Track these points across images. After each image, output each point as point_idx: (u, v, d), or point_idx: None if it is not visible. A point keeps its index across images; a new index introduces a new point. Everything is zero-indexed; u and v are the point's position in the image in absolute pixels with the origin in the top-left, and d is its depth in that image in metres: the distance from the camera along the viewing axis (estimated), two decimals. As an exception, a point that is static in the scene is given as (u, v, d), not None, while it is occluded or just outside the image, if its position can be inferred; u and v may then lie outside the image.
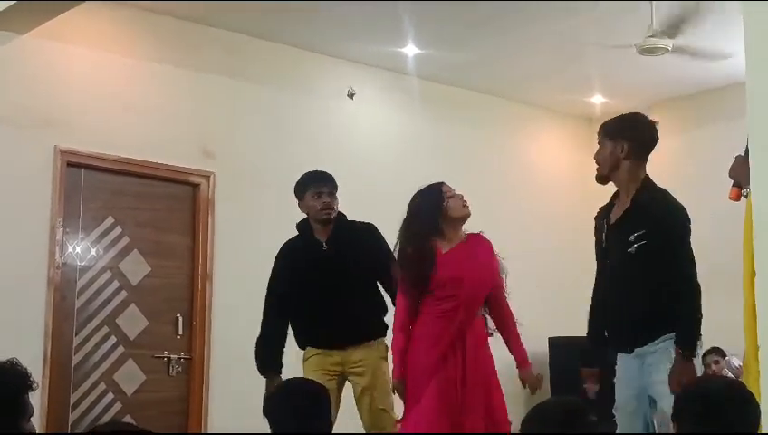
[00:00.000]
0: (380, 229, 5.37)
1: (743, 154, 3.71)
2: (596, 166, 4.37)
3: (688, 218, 4.17)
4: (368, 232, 5.34)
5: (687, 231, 4.16)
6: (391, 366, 4.94)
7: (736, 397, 2.75)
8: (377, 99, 8.29)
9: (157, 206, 7.04)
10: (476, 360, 4.74)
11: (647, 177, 4.30)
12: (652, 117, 4.48)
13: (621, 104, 9.22)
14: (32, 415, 3.08)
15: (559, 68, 8.30)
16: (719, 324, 4.90)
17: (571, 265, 8.44)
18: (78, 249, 6.66)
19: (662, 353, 4.10)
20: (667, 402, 3.87)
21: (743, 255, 3.59)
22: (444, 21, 7.28)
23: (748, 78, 2.72)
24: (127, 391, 6.73)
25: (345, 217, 5.38)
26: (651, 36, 6.96)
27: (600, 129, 4.40)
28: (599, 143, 4.37)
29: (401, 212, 5.44)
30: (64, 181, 6.56)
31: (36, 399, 6.13)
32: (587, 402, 2.75)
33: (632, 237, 4.13)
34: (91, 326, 6.64)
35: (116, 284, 6.79)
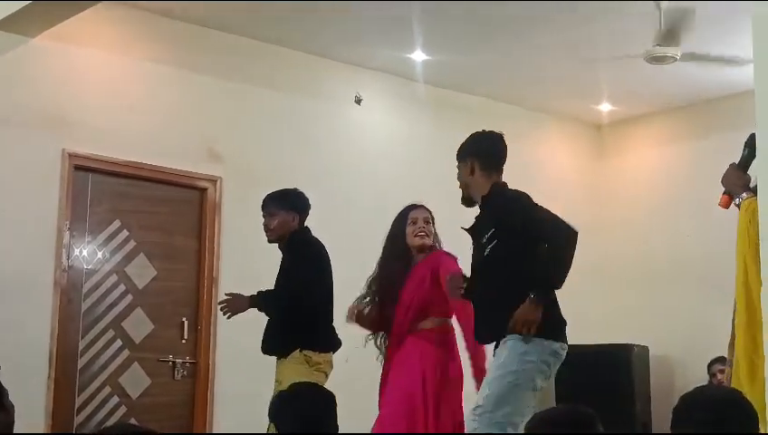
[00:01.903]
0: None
1: (736, 163, 3.81)
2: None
3: (528, 205, 4.33)
4: (291, 251, 5.43)
5: (531, 210, 4.31)
6: None
7: (736, 405, 2.76)
8: (384, 104, 8.28)
9: (163, 209, 7.04)
10: (398, 373, 5.02)
11: (495, 183, 4.48)
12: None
13: (628, 111, 9.26)
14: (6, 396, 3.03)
15: (566, 75, 8.29)
16: (724, 334, 4.89)
17: (576, 270, 8.41)
18: (84, 252, 6.66)
19: (508, 345, 4.21)
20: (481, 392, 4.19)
21: (735, 259, 3.67)
22: (452, 27, 7.28)
23: (757, 84, 2.72)
24: (132, 395, 6.73)
25: (302, 232, 5.44)
26: (659, 44, 6.95)
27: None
28: (457, 168, 4.58)
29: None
30: (71, 184, 6.57)
31: (41, 401, 6.19)
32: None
33: (484, 240, 4.30)
34: (96, 329, 6.65)
35: (122, 287, 6.79)
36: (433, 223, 5.24)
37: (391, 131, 8.30)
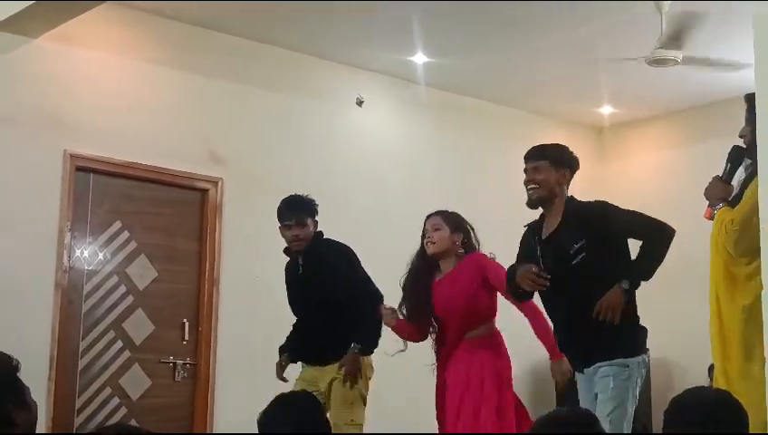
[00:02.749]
0: (390, 237, 5.41)
1: (720, 175, 3.93)
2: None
3: (615, 209, 4.36)
4: (336, 254, 5.41)
5: (620, 213, 4.36)
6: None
7: (726, 406, 2.78)
8: (385, 106, 8.29)
9: (165, 211, 7.05)
10: (455, 381, 4.99)
11: (571, 196, 4.49)
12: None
13: (629, 114, 9.27)
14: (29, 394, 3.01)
15: (568, 77, 8.30)
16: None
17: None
18: (85, 253, 6.67)
19: (611, 373, 4.20)
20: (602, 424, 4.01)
21: (710, 267, 3.82)
22: (453, 30, 7.29)
23: (757, 84, 2.72)
24: (132, 396, 6.73)
25: (321, 235, 5.46)
26: (661, 47, 6.96)
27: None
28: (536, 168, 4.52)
29: (410, 219, 5.48)
30: (73, 185, 6.58)
31: (42, 402, 6.19)
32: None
33: (572, 251, 4.27)
34: (97, 331, 6.65)
35: (123, 288, 6.79)
36: (456, 227, 5.16)
37: (392, 133, 8.31)
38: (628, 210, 4.38)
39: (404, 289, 5.19)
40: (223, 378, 7.01)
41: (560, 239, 4.32)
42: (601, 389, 4.22)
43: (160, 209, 7.03)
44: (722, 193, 3.85)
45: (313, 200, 5.47)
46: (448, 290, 5.05)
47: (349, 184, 7.76)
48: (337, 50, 7.72)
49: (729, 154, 3.96)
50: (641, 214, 4.36)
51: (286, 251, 5.53)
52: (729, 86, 8.03)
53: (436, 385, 5.16)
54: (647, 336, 4.36)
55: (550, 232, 4.38)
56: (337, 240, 5.47)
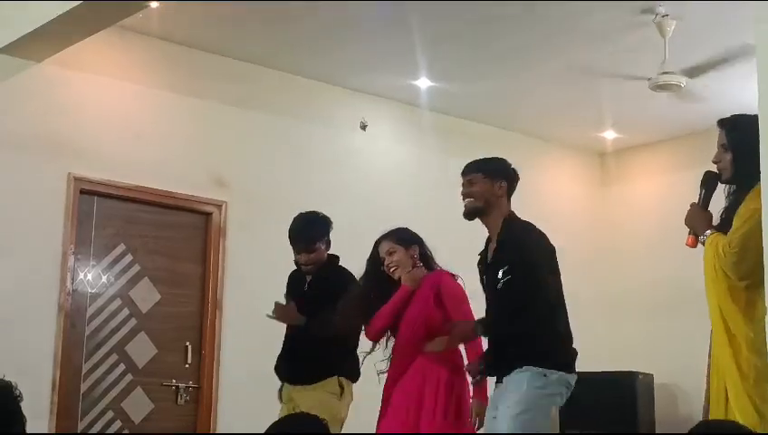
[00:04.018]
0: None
1: (697, 202, 3.96)
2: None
3: (541, 253, 4.36)
4: (342, 283, 5.33)
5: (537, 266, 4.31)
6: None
7: None
8: (389, 131, 8.31)
9: (168, 234, 7.05)
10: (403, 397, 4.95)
11: (511, 213, 4.53)
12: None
13: (632, 139, 9.27)
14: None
15: (571, 103, 8.31)
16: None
17: (581, 297, 8.42)
18: (89, 276, 6.67)
19: (517, 381, 4.19)
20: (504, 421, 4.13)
21: (706, 294, 3.82)
22: (457, 55, 7.31)
23: (761, 109, 2.70)
24: (135, 420, 6.71)
25: (336, 259, 5.44)
26: (664, 73, 6.97)
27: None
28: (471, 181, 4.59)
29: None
30: (77, 208, 6.59)
31: (44, 425, 6.17)
32: None
33: (500, 274, 4.29)
34: (100, 354, 6.64)
35: (126, 311, 6.79)
36: (407, 242, 5.15)
37: (396, 157, 8.32)
38: (537, 259, 4.30)
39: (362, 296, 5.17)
40: (225, 402, 6.99)
41: (493, 264, 4.38)
42: (509, 389, 4.21)
43: (164, 233, 7.03)
44: (704, 220, 3.88)
45: (327, 218, 5.41)
46: (414, 303, 5.03)
47: (352, 208, 7.75)
48: (341, 74, 7.74)
49: (702, 180, 3.99)
50: (542, 266, 4.30)
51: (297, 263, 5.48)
52: (732, 111, 8.03)
53: (382, 399, 5.07)
54: (575, 358, 4.32)
55: (489, 258, 4.44)
56: (349, 271, 5.39)
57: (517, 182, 4.60)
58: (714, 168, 3.99)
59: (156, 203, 6.96)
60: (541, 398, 4.14)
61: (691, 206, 3.98)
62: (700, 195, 3.97)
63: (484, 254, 4.51)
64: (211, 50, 7.24)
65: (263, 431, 3.08)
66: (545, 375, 4.14)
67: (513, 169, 4.63)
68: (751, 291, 3.61)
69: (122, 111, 6.93)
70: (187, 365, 6.97)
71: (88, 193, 6.68)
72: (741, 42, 6.72)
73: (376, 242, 5.19)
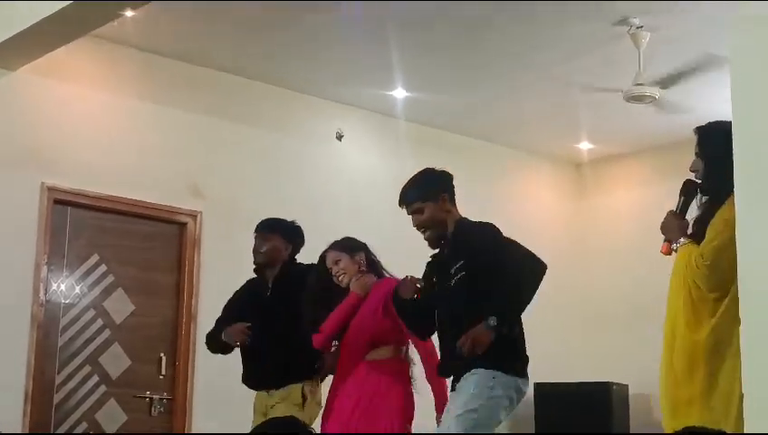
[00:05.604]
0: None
1: (674, 209, 3.96)
2: None
3: (499, 241, 4.35)
4: (296, 281, 5.33)
5: (501, 248, 4.34)
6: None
7: None
8: (365, 141, 8.31)
9: (143, 244, 7.01)
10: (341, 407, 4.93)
11: (461, 217, 4.56)
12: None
13: (608, 150, 9.31)
14: None
15: (547, 114, 8.34)
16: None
17: (556, 308, 8.44)
18: (62, 287, 6.62)
19: (467, 381, 4.19)
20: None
21: (667, 302, 3.87)
22: (433, 65, 7.33)
23: (734, 119, 2.70)
24: (108, 431, 6.67)
25: (297, 264, 5.43)
26: (638, 84, 7.01)
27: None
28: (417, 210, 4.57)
29: (390, 253, 5.46)
30: (50, 218, 6.54)
31: (16, 437, 6.11)
32: None
33: (452, 271, 4.29)
34: (73, 365, 6.59)
35: (99, 322, 6.75)
36: (352, 250, 5.15)
37: (372, 168, 8.31)
38: (509, 240, 4.38)
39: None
40: (199, 413, 6.95)
41: (445, 258, 4.40)
42: (458, 390, 4.21)
43: (138, 243, 6.99)
44: (679, 228, 3.88)
45: (294, 226, 5.45)
46: (362, 310, 5.02)
47: (329, 218, 7.73)
48: (317, 84, 7.74)
49: (682, 188, 4.00)
50: (519, 245, 4.37)
51: (256, 271, 5.48)
52: (708, 121, 8.08)
53: (327, 401, 5.07)
54: (526, 363, 4.33)
55: (439, 255, 4.46)
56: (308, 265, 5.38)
57: (453, 180, 4.62)
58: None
59: (130, 213, 6.92)
60: (487, 399, 4.13)
61: (668, 213, 3.98)
62: (678, 202, 3.98)
63: (437, 255, 4.51)
64: (187, 59, 7.22)
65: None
66: (494, 377, 4.15)
67: (443, 172, 4.65)
68: (718, 303, 3.63)
69: (96, 120, 6.89)
70: (161, 376, 6.93)
71: (61, 203, 6.63)
72: (715, 52, 6.78)
73: (321, 255, 5.17)
